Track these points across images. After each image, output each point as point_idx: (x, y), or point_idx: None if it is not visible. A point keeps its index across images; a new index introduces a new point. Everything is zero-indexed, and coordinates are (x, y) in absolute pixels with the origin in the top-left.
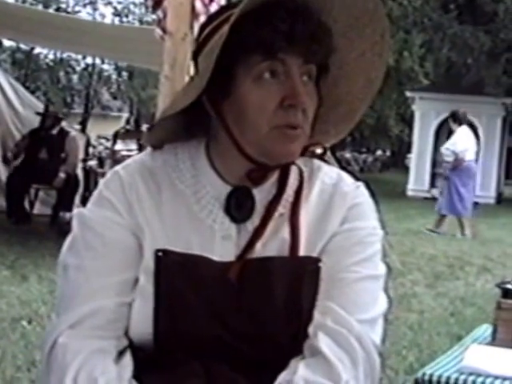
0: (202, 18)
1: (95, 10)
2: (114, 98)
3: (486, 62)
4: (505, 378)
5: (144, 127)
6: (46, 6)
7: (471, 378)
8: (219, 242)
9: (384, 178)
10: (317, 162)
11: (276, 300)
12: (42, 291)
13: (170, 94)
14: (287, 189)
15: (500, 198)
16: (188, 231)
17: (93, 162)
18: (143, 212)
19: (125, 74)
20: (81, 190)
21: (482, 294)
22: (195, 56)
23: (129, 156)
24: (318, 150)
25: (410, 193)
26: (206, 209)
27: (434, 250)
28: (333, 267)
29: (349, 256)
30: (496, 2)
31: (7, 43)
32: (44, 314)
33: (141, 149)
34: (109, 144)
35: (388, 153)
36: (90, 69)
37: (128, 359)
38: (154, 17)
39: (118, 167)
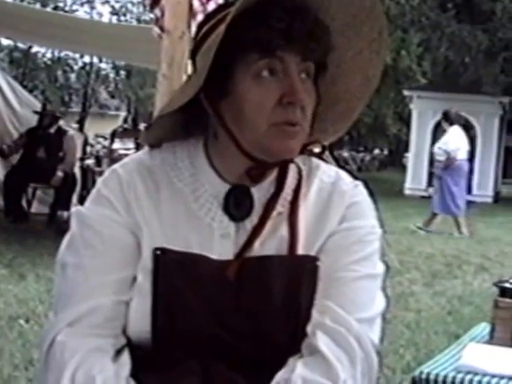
0: (200, 17)
1: (93, 8)
2: (112, 96)
3: (483, 61)
4: (502, 377)
5: (142, 126)
6: (44, 5)
7: (468, 377)
8: (218, 241)
9: (382, 176)
10: (315, 160)
11: (274, 298)
12: (40, 290)
13: (167, 93)
14: (286, 187)
15: (497, 197)
16: (186, 230)
17: (90, 161)
18: (141, 210)
19: (123, 72)
20: (78, 188)
21: (479, 292)
22: (193, 55)
23: (126, 155)
24: (316, 150)
25: (407, 191)
26: (204, 207)
27: (431, 248)
28: (331, 266)
29: (347, 255)
30: (493, 1)
31: (5, 42)
32: (41, 312)
33: (138, 148)
34: (106, 143)
35: (386, 152)
36: (87, 68)
37: (126, 357)
38: (151, 15)
39: (116, 165)
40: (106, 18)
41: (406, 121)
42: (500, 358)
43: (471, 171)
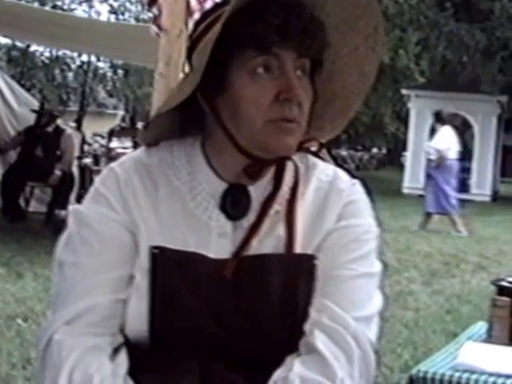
0: (197, 15)
1: (91, 7)
2: (110, 95)
3: (481, 60)
4: (499, 375)
5: (139, 125)
6: (42, 4)
7: (465, 376)
8: (215, 239)
9: (380, 175)
10: (313, 159)
11: (272, 297)
12: (38, 289)
13: (164, 92)
14: (283, 186)
15: (495, 196)
16: (184, 228)
17: (88, 160)
18: (139, 208)
19: (120, 71)
20: (76, 187)
21: (477, 291)
22: (189, 53)
23: (124, 154)
24: (313, 148)
25: (405, 190)
26: (201, 206)
27: (429, 247)
28: (328, 264)
29: (344, 253)
30: (492, 0)
31: (3, 41)
32: (39, 311)
33: (136, 146)
34: (104, 142)
35: (384, 150)
36: (85, 66)
37: (123, 356)
38: (150, 14)
39: (113, 164)
40: (104, 17)
41: (403, 120)
42: (497, 356)
43: (464, 171)
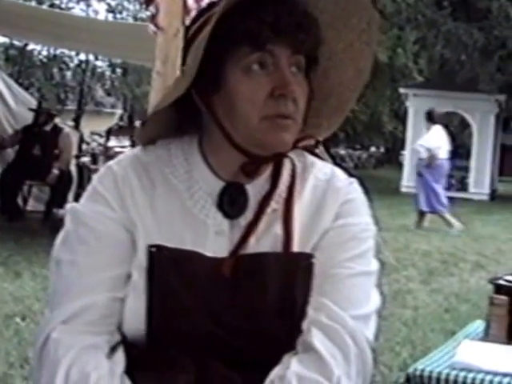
0: (194, 14)
1: (89, 6)
2: (108, 94)
3: (479, 59)
4: (496, 374)
5: (137, 123)
6: (40, 3)
7: (462, 374)
8: (212, 238)
9: (378, 174)
10: (310, 157)
11: (269, 296)
12: (36, 288)
13: (161, 90)
14: (280, 184)
15: (494, 195)
16: (181, 226)
17: (86, 159)
18: (136, 207)
19: (119, 70)
20: (74, 186)
21: (476, 290)
22: (185, 51)
23: (122, 152)
24: (311, 143)
25: (403, 189)
26: (198, 204)
27: (427, 246)
28: (326, 263)
29: (342, 252)
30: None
31: (0, 39)
32: (37, 310)
33: (134, 145)
34: (102, 140)
35: (382, 149)
36: (83, 65)
37: (120, 355)
38: (148, 13)
39: (111, 162)
40: (102, 16)
41: (402, 118)
42: (494, 354)
43: (462, 169)
